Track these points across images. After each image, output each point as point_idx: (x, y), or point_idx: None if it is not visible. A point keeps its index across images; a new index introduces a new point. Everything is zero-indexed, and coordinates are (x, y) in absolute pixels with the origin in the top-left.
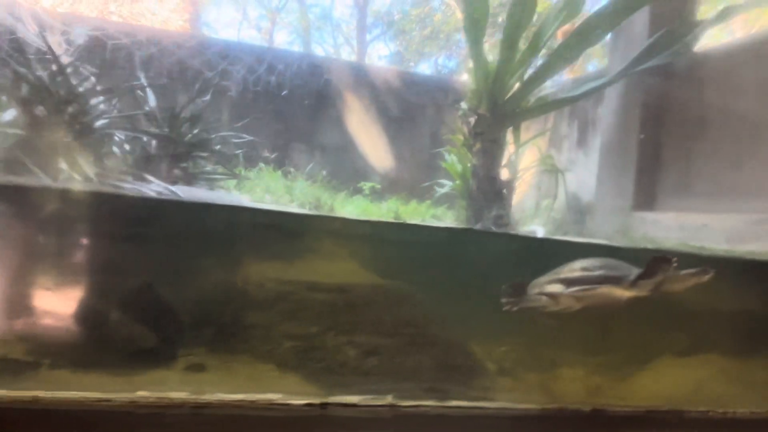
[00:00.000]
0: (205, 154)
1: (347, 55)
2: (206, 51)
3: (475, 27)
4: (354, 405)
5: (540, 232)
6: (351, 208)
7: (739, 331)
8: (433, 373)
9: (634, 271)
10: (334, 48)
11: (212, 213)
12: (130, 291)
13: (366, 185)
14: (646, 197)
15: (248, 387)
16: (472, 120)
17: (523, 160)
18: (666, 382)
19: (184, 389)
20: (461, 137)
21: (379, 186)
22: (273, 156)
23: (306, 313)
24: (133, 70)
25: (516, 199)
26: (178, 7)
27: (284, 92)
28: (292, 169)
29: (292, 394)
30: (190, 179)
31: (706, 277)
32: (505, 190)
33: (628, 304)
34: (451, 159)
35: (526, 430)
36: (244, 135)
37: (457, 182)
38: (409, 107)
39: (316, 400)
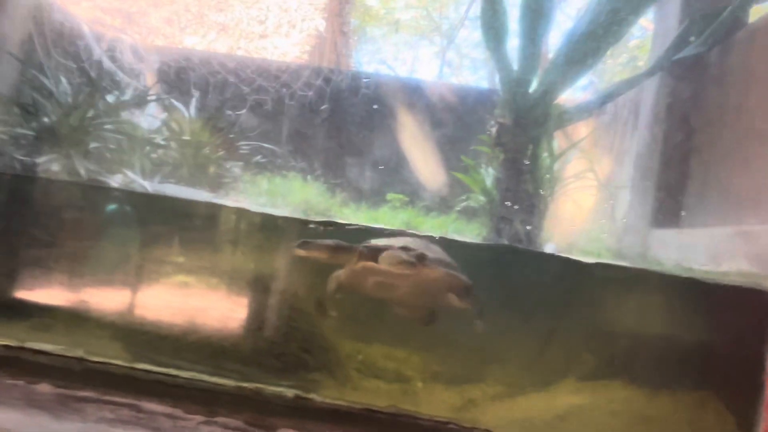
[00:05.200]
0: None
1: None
2: (248, 71)
3: (493, 28)
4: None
5: (549, 249)
6: (360, 215)
7: (658, 359)
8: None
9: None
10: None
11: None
12: None
13: (395, 196)
14: (668, 212)
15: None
16: (494, 130)
17: (568, 173)
18: (541, 407)
19: None
20: (488, 149)
21: (407, 198)
22: (299, 164)
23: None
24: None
25: (568, 216)
26: (299, 41)
27: (323, 106)
28: (309, 177)
29: None
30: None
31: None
32: (536, 205)
33: None
34: (474, 173)
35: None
36: (263, 143)
37: (477, 195)
38: (458, 122)
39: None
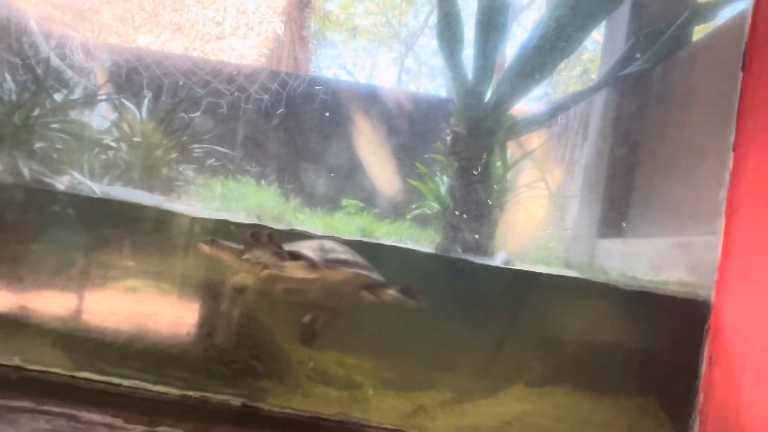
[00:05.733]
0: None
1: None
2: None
3: (448, 38)
4: None
5: (501, 258)
6: (316, 221)
7: (601, 365)
8: None
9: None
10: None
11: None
12: None
13: (350, 202)
14: (614, 223)
15: None
16: (448, 139)
17: (521, 183)
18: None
19: None
20: (443, 157)
21: (362, 204)
22: (253, 169)
23: None
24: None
25: (520, 225)
26: (257, 43)
27: (279, 111)
28: (263, 181)
29: None
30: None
31: (315, 275)
32: (488, 213)
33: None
34: (428, 180)
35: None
36: (217, 147)
37: (431, 203)
38: (415, 129)
39: None
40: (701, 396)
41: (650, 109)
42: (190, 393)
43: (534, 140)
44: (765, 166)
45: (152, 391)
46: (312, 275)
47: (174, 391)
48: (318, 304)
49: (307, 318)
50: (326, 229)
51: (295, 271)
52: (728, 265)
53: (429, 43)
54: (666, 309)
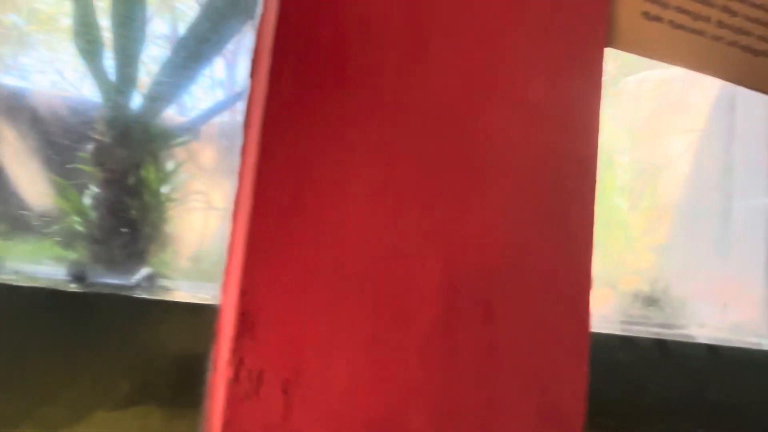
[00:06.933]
0: None
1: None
2: None
3: (87, 39)
4: None
5: (143, 274)
6: None
7: (176, 380)
8: None
9: None
10: None
11: None
12: None
13: None
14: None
15: None
16: (92, 148)
17: (180, 195)
18: None
19: None
20: (90, 168)
21: None
22: None
23: None
24: None
25: (176, 239)
26: None
27: None
28: None
29: None
30: None
31: None
32: (139, 228)
33: None
34: (70, 193)
35: None
36: None
37: (73, 218)
38: (72, 137)
39: None
40: (207, 399)
41: None
42: None
43: (205, 152)
44: (244, 170)
45: None
46: None
47: None
48: None
49: None
50: None
51: None
52: (227, 270)
53: (152, 51)
54: (210, 320)
